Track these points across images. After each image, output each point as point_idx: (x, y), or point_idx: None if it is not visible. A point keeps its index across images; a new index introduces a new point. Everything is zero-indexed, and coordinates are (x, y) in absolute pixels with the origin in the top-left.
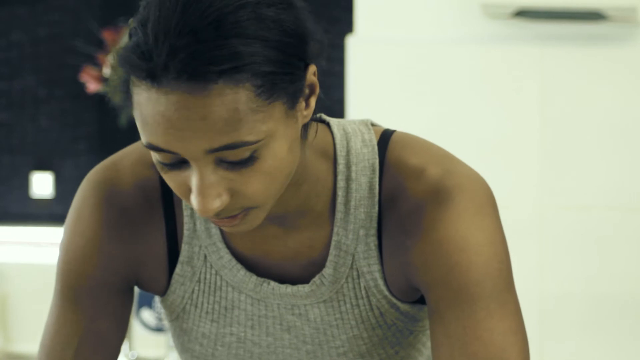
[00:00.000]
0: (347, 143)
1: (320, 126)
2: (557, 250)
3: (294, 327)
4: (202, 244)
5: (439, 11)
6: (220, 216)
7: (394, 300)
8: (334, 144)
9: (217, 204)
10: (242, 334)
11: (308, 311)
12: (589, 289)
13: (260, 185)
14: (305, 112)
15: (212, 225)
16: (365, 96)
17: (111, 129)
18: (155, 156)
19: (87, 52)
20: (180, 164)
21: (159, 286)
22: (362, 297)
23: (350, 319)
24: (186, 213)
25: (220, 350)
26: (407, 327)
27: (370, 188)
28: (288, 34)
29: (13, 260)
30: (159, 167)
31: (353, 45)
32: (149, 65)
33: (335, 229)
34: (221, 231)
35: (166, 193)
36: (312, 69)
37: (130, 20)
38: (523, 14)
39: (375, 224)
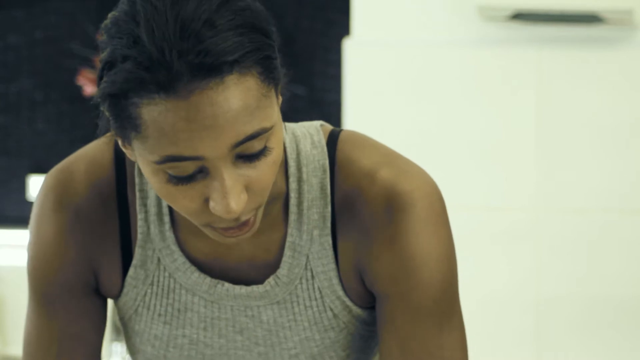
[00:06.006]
0: (297, 146)
1: None
2: (553, 253)
3: (246, 329)
4: (156, 247)
5: (435, 14)
6: (239, 221)
7: (348, 302)
8: (284, 148)
9: (241, 202)
10: (195, 336)
11: (261, 313)
12: (586, 292)
13: (270, 177)
14: (279, 100)
15: (167, 228)
16: (362, 99)
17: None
18: (165, 173)
19: (83, 55)
20: (196, 175)
21: (113, 288)
22: (316, 299)
23: (303, 320)
24: (140, 216)
25: (172, 352)
26: (358, 331)
27: (322, 188)
28: (266, 20)
29: (10, 263)
30: (166, 189)
31: (350, 47)
32: (160, 76)
33: (289, 231)
34: (175, 235)
35: (121, 194)
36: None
37: (103, 53)
38: (520, 16)
39: (329, 224)
